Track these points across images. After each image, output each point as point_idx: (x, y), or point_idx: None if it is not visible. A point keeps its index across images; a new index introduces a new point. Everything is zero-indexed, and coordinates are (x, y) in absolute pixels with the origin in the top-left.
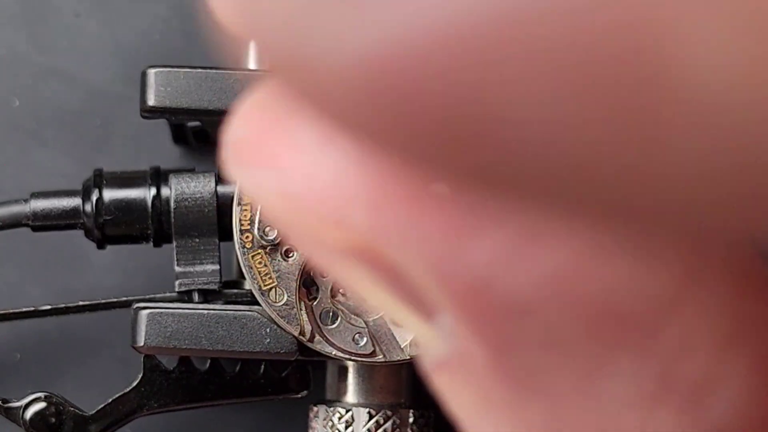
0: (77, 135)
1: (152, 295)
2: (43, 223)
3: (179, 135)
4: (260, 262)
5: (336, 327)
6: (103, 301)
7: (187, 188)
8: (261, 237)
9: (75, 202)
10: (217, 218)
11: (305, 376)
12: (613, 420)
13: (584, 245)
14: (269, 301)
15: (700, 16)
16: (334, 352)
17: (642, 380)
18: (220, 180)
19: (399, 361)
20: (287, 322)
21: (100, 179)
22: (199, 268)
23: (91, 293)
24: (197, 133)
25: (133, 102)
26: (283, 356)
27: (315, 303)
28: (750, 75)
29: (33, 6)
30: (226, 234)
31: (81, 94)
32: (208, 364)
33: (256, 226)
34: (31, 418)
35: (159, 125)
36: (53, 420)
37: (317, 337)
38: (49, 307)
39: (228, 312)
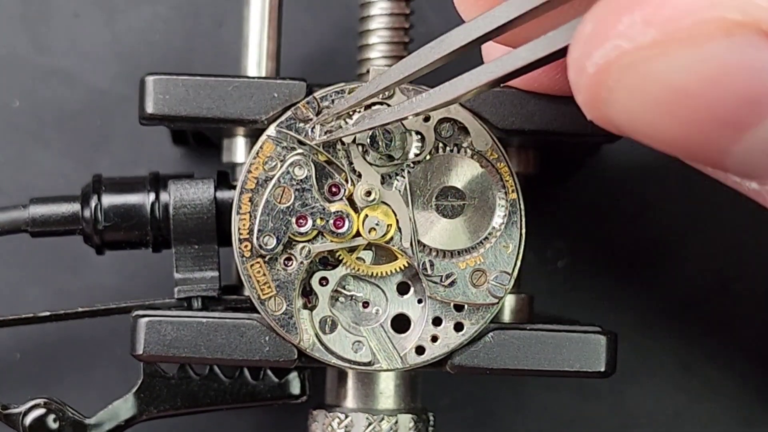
0: (77, 136)
1: (151, 302)
2: (42, 229)
3: (178, 137)
4: (259, 271)
5: (335, 335)
6: (102, 307)
7: (186, 194)
8: (260, 246)
9: (74, 208)
10: (216, 224)
11: (304, 382)
12: None
13: None
14: (268, 310)
15: None
16: (333, 360)
17: None
18: (218, 186)
19: (398, 369)
20: (286, 331)
21: (99, 185)
22: (198, 274)
23: (90, 299)
24: (196, 135)
25: (133, 103)
26: (282, 364)
27: (314, 311)
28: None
29: (33, 6)
30: (225, 240)
31: (81, 95)
32: (207, 370)
33: (255, 235)
34: (31, 424)
35: (158, 127)
36: (53, 426)
37: (316, 345)
38: (48, 313)
39: (227, 320)
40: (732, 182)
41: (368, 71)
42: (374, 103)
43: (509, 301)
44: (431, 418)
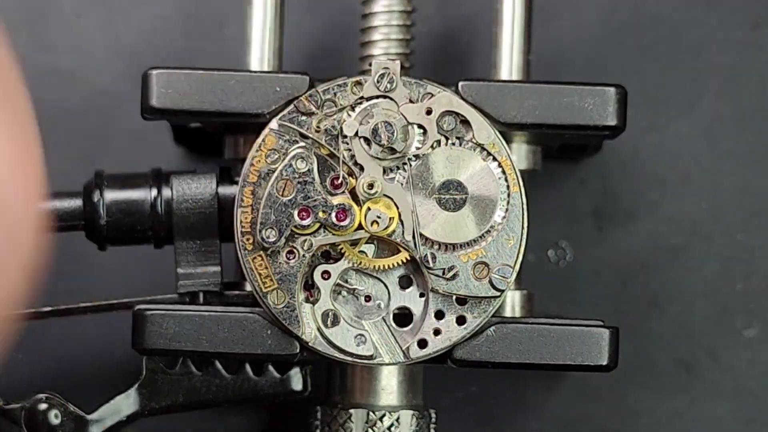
0: (78, 135)
1: (153, 297)
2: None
3: (180, 135)
4: (261, 265)
5: (337, 329)
6: (104, 302)
7: (188, 190)
8: (262, 239)
9: (76, 203)
10: (218, 220)
11: (305, 378)
12: None
13: None
14: (270, 303)
15: None
16: (335, 354)
17: None
18: (221, 181)
19: (400, 363)
20: (288, 324)
21: (101, 181)
22: (200, 269)
23: (92, 294)
24: (198, 134)
25: (135, 102)
26: (284, 358)
27: (316, 305)
28: None
29: (34, 6)
30: (227, 235)
31: (82, 95)
32: (209, 366)
33: (257, 228)
34: (32, 419)
35: (160, 125)
36: (54, 421)
37: (319, 339)
38: (49, 308)
39: (229, 314)
40: None
41: (370, 66)
42: (376, 96)
43: (510, 298)
44: (433, 415)
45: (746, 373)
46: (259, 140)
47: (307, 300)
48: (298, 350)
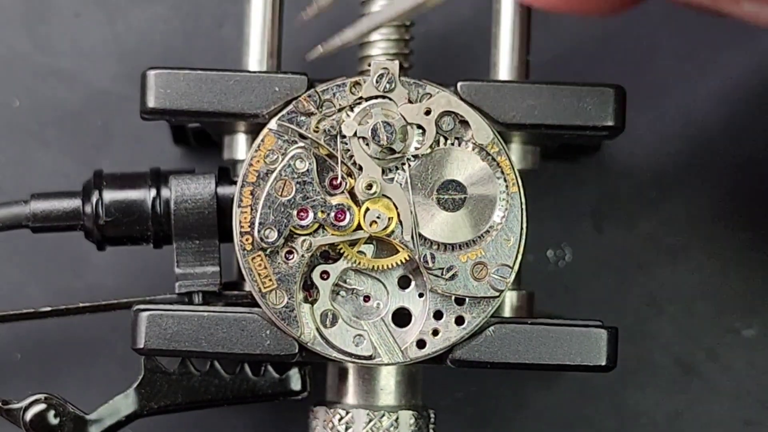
0: (78, 135)
1: (152, 297)
2: (43, 224)
3: (179, 135)
4: (260, 265)
5: (336, 329)
6: (103, 302)
7: (187, 190)
8: (261, 239)
9: (75, 203)
10: (217, 220)
11: (304, 378)
12: None
13: None
14: (269, 303)
15: None
16: (334, 354)
17: None
18: (220, 181)
19: (399, 363)
20: (287, 324)
21: (100, 180)
22: (199, 269)
23: (91, 294)
24: (197, 134)
25: (134, 102)
26: (283, 358)
27: (315, 305)
28: None
29: (34, 6)
30: (226, 235)
31: (81, 95)
32: (208, 366)
33: (256, 228)
34: (32, 420)
35: (159, 126)
36: (53, 421)
37: (317, 339)
38: (49, 308)
39: (228, 314)
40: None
41: (369, 67)
42: (375, 96)
43: (509, 298)
44: (432, 415)
45: (745, 373)
46: (258, 140)
47: (306, 300)
48: (296, 350)
